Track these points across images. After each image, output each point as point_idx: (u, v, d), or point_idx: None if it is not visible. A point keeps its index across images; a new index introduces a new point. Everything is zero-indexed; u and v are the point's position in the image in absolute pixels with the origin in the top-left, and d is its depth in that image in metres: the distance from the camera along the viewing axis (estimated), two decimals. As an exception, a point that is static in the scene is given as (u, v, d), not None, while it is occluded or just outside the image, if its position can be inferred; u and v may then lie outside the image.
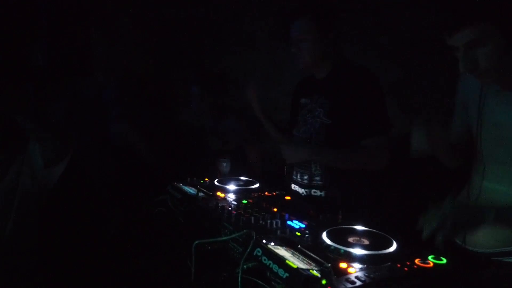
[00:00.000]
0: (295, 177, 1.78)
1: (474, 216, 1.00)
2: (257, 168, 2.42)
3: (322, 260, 0.96)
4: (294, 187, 1.78)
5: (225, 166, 1.88)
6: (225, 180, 1.66)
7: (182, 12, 3.33)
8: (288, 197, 1.55)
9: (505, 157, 1.18)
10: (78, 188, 1.90)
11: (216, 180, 1.67)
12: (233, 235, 1.09)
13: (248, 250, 0.99)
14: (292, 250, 1.03)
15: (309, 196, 1.70)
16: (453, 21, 1.03)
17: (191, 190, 1.56)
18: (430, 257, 0.98)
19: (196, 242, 1.05)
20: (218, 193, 1.54)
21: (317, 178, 1.68)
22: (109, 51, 3.12)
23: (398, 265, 0.95)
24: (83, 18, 3.09)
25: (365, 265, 0.95)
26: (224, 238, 1.10)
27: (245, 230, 1.07)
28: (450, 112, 1.43)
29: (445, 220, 1.01)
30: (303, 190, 1.72)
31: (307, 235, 1.13)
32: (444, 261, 0.97)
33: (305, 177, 1.72)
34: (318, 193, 1.67)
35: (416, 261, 0.97)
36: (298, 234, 1.15)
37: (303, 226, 1.22)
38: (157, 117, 2.80)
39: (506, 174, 1.18)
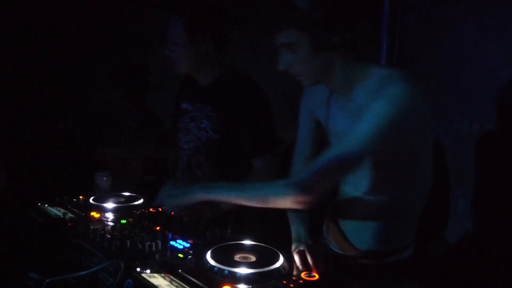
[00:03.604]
0: None
1: None
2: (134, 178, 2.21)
3: (203, 285, 0.86)
4: None
5: (105, 180, 1.65)
6: (102, 198, 1.45)
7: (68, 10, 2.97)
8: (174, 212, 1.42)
9: None
10: None
11: (92, 198, 1.45)
12: (92, 269, 0.91)
13: (115, 283, 0.83)
14: (170, 277, 0.90)
15: None
16: (274, 23, 1.10)
17: (57, 211, 1.32)
18: (316, 269, 0.95)
19: (47, 280, 0.85)
20: (93, 213, 1.33)
21: None
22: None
23: (284, 282, 0.89)
24: None
25: (250, 285, 0.87)
26: (82, 273, 0.91)
27: (110, 261, 0.91)
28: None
29: None
30: None
31: (190, 257, 1.01)
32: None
33: None
34: None
35: (302, 274, 0.92)
36: (181, 256, 1.03)
37: (188, 245, 1.10)
38: (26, 125, 2.39)
39: (359, 180, 1.19)
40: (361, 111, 1.04)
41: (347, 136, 1.02)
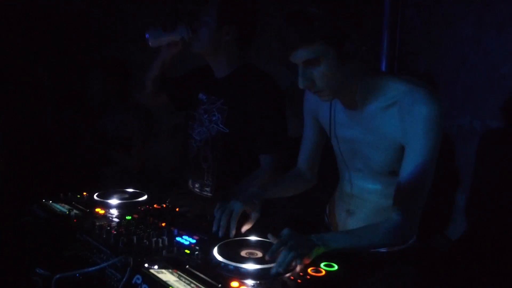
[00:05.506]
0: (190, 185, 1.67)
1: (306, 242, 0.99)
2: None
3: (211, 281, 0.87)
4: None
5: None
6: (106, 194, 1.46)
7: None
8: (179, 209, 1.42)
9: (360, 166, 1.24)
10: None
11: (96, 194, 1.45)
12: (101, 265, 0.92)
13: (125, 279, 0.84)
14: (178, 273, 0.91)
15: None
16: (292, 40, 1.05)
17: (62, 208, 1.33)
18: (322, 265, 0.96)
19: (57, 276, 0.86)
20: (97, 210, 1.33)
21: (207, 189, 1.59)
22: None
23: (292, 278, 0.90)
24: None
25: (258, 281, 0.88)
26: (91, 269, 0.92)
27: (119, 257, 0.92)
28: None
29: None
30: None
31: (196, 252, 1.02)
32: (336, 267, 0.95)
33: (197, 185, 1.61)
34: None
35: (309, 270, 0.93)
36: (187, 251, 1.03)
37: (194, 241, 1.11)
38: (25, 118, 2.38)
39: (366, 178, 1.24)
40: (375, 123, 1.13)
41: (409, 157, 1.08)
